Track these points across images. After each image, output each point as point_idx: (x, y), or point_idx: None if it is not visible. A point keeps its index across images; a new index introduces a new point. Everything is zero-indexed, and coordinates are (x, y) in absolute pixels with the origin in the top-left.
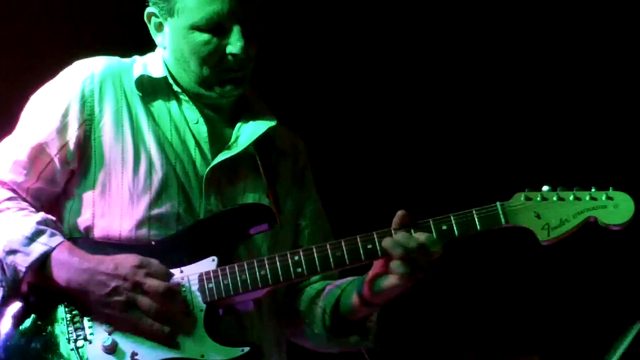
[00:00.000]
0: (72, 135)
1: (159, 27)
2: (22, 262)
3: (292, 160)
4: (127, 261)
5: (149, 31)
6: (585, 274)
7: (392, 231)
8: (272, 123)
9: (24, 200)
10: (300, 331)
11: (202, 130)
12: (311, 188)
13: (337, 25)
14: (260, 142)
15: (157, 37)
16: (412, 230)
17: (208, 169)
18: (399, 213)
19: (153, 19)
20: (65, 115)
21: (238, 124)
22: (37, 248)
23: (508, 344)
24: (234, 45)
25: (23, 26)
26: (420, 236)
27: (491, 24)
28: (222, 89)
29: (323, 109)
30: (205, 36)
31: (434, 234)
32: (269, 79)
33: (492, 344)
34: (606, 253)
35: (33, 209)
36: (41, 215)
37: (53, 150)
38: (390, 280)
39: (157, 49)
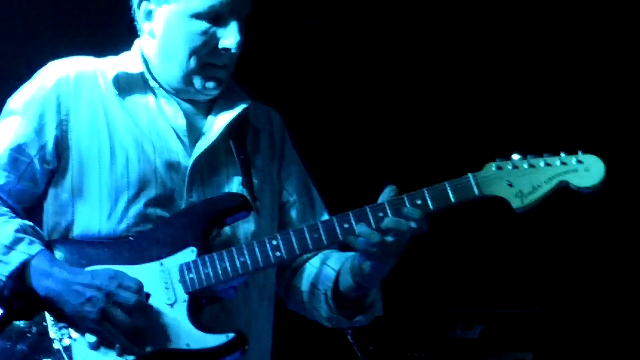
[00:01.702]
0: (50, 135)
1: (149, 14)
2: (2, 271)
3: (268, 136)
4: (103, 272)
5: (127, 27)
6: (581, 271)
7: (367, 209)
8: (245, 105)
9: (5, 203)
10: (307, 311)
11: (180, 123)
12: (292, 161)
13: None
14: (235, 124)
15: (145, 25)
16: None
17: (191, 161)
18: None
19: (144, 4)
20: (42, 116)
21: (213, 112)
22: (17, 257)
23: (502, 339)
24: (230, 39)
25: None
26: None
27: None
28: (203, 83)
29: (299, 88)
30: (203, 25)
31: (409, 208)
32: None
33: (486, 338)
34: (602, 250)
35: (13, 214)
36: (19, 222)
37: (32, 150)
38: (370, 265)
39: (134, 47)
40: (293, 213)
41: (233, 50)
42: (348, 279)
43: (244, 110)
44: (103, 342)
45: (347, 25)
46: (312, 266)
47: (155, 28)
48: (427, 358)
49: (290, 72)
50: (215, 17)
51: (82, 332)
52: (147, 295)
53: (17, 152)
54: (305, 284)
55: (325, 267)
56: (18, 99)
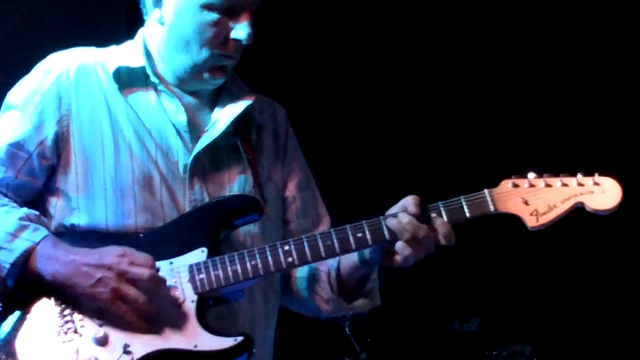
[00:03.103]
0: (50, 131)
1: (158, 0)
2: (6, 258)
3: (272, 132)
4: (111, 251)
5: (130, 15)
6: (579, 264)
7: (381, 219)
8: (249, 102)
9: (6, 196)
10: (303, 300)
11: (181, 119)
12: (295, 158)
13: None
14: (240, 121)
15: (154, 12)
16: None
17: (191, 157)
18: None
19: None
20: (42, 112)
21: (216, 108)
22: (21, 244)
23: (500, 332)
24: (242, 31)
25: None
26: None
27: (477, 14)
28: (211, 75)
29: (311, 93)
30: (214, 16)
31: None
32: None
33: (484, 331)
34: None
35: (16, 205)
36: (24, 210)
37: (31, 147)
38: (396, 259)
39: (137, 37)
40: (293, 209)
41: (244, 43)
42: (352, 257)
43: (248, 107)
44: (110, 338)
45: (348, 19)
46: None
47: (164, 15)
48: (424, 351)
49: (289, 65)
50: (227, 9)
51: (91, 319)
52: (158, 269)
53: (16, 148)
54: (303, 270)
55: None
56: (18, 93)
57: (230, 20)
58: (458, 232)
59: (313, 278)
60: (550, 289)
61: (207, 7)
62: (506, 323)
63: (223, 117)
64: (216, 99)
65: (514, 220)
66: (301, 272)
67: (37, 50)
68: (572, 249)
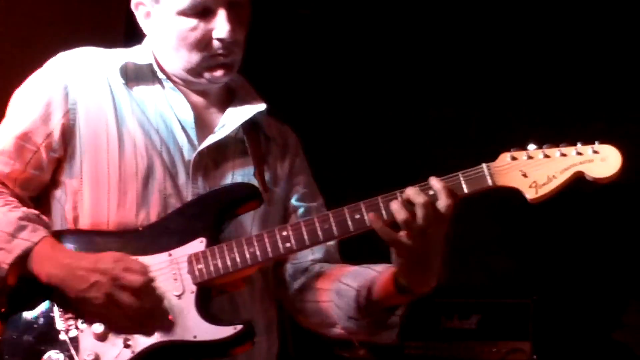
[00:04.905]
0: (57, 123)
1: (147, 15)
2: (4, 259)
3: (280, 148)
4: (107, 256)
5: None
6: (579, 260)
7: (379, 199)
8: (262, 107)
9: (12, 192)
10: (316, 311)
11: (188, 116)
12: (303, 175)
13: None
14: (249, 128)
15: (145, 26)
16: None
17: (195, 153)
18: None
19: (140, 7)
20: (49, 105)
21: (227, 111)
22: (19, 244)
23: (499, 329)
24: (220, 29)
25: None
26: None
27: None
28: (211, 74)
29: (310, 90)
30: (191, 21)
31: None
32: (257, 62)
33: (483, 328)
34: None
35: (19, 203)
36: (23, 210)
37: (39, 139)
38: (400, 261)
39: (145, 40)
40: (292, 218)
41: (227, 40)
42: (388, 283)
43: (259, 113)
44: (110, 333)
45: (349, 14)
46: (322, 267)
47: (154, 28)
48: (424, 347)
49: (288, 62)
50: (202, 11)
51: (88, 318)
52: (153, 278)
53: (23, 140)
54: (329, 284)
55: (360, 267)
56: (26, 87)
57: (209, 22)
58: (458, 228)
59: (339, 293)
60: (549, 286)
61: (182, 14)
62: (505, 320)
63: (233, 119)
64: (226, 102)
65: (514, 216)
66: (329, 285)
67: (35, 52)
68: (571, 246)
